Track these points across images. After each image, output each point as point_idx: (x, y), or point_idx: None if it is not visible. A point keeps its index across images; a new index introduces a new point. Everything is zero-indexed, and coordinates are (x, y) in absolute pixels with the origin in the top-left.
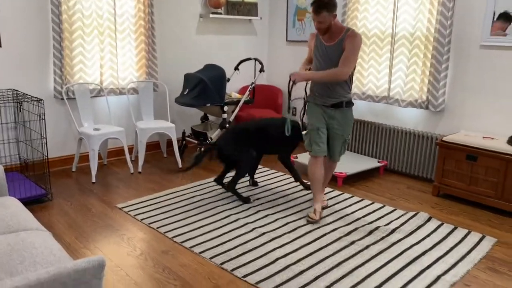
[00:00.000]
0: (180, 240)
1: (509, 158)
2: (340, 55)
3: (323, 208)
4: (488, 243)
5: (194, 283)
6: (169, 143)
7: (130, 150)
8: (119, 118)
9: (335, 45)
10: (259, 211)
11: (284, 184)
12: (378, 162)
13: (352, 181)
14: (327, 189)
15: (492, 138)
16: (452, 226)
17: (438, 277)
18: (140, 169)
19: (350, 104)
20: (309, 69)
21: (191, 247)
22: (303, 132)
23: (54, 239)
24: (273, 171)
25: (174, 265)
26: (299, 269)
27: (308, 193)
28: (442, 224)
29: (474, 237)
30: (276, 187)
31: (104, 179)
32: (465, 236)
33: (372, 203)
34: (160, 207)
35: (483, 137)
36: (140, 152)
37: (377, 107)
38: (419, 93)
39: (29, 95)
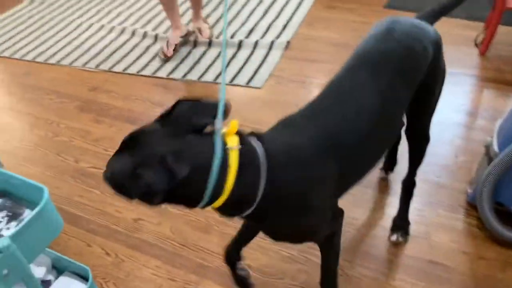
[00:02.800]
0: (42, 59)
1: None
2: None
3: (208, 39)
4: None
5: (69, 91)
6: None
7: None
8: None
9: None
10: (110, 11)
11: None
12: None
13: None
14: None
15: None
16: None
17: (285, 25)
18: None
19: None
20: None
21: (57, 62)
22: None
23: None
24: None
25: (42, 82)
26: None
27: None
28: None
29: None
30: None
31: None
32: None
33: None
34: (2, 35)
35: None
36: None
37: None
38: None
39: None
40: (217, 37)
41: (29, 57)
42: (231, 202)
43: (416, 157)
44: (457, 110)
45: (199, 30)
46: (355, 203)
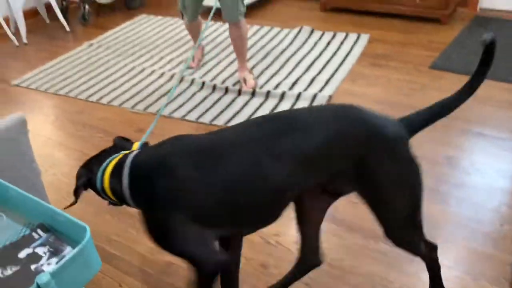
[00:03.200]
0: (95, 99)
1: None
2: None
3: (252, 89)
4: (363, 40)
5: (118, 131)
6: (48, 7)
7: (7, 21)
8: None
9: None
10: (161, 58)
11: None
12: None
13: (247, 12)
14: (227, 24)
15: None
16: (332, 33)
17: (328, 80)
18: (25, 40)
19: None
20: None
21: (108, 102)
22: None
23: None
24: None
25: (93, 121)
26: (216, 97)
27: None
28: (323, 33)
29: (352, 37)
30: (173, 33)
31: None
32: (344, 38)
33: (261, 28)
34: (61, 74)
35: None
36: (19, 21)
37: None
38: None
39: None
40: (261, 88)
41: (83, 96)
42: (112, 191)
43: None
44: (504, 176)
45: (244, 80)
46: (389, 265)
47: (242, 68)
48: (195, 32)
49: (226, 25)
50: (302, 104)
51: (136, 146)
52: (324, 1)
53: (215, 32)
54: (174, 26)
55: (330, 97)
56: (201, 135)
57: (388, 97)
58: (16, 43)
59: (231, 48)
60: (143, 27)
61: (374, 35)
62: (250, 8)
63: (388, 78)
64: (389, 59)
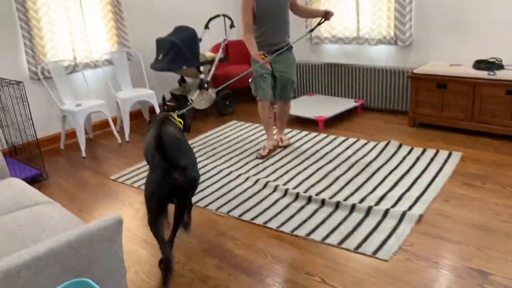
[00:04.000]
0: None
1: (476, 82)
2: None
3: (284, 146)
4: (455, 159)
5: (200, 233)
6: (151, 109)
7: (114, 121)
8: (98, 91)
9: None
10: (247, 162)
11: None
12: (355, 102)
13: (333, 123)
14: (313, 133)
15: (459, 65)
16: (421, 149)
17: (418, 197)
18: (127, 139)
19: (290, 47)
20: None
21: (194, 203)
22: (249, 80)
23: (66, 209)
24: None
25: None
26: (299, 206)
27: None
28: (412, 148)
29: (443, 154)
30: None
31: (94, 152)
32: (435, 155)
33: (347, 138)
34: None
35: (451, 65)
36: (125, 122)
37: (348, 48)
38: (387, 29)
39: (7, 79)
40: (345, 200)
41: None
42: None
43: None
44: None
45: (281, 140)
46: None
47: (280, 131)
48: (267, 116)
49: (311, 135)
50: (390, 222)
51: (175, 115)
52: (413, 116)
53: (300, 140)
54: (261, 133)
55: (421, 216)
56: (169, 129)
57: (485, 222)
58: (119, 140)
59: (316, 157)
60: (233, 131)
61: (466, 153)
62: (336, 119)
63: (484, 201)
64: (485, 181)
